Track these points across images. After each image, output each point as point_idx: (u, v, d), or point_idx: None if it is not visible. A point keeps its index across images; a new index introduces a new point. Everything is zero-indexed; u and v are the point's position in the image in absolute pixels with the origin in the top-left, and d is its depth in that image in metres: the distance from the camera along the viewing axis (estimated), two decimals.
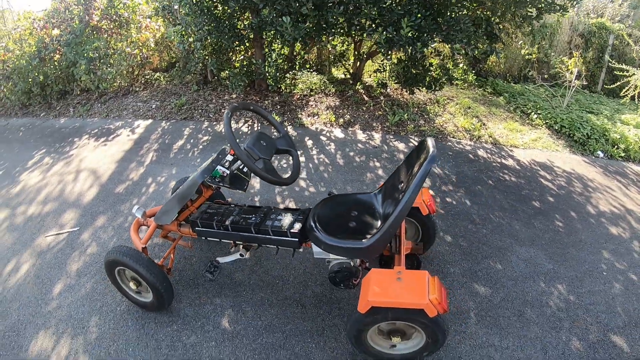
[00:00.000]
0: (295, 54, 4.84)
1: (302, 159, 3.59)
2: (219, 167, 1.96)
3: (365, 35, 3.62)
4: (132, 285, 2.25)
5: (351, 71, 4.70)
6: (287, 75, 4.82)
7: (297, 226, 1.98)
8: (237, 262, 2.58)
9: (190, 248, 2.60)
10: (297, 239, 1.96)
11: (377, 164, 3.43)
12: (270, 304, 2.29)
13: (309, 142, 3.88)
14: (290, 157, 2.43)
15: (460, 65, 5.24)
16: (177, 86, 5.65)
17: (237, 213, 2.20)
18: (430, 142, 1.71)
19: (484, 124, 4.16)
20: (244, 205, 2.36)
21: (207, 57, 4.74)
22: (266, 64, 4.50)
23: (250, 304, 2.30)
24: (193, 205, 2.27)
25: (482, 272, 2.39)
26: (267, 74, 4.43)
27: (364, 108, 4.35)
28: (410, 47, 3.31)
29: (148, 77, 6.26)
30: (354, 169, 3.40)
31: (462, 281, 2.33)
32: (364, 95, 4.60)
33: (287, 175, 2.09)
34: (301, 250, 2.05)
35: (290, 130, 4.10)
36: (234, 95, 5.04)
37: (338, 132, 3.98)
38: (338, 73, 5.60)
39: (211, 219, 2.18)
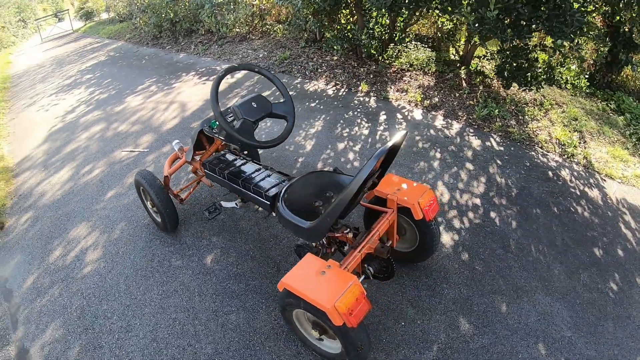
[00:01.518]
0: (395, 25, 4.72)
1: (365, 131, 3.63)
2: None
3: (454, 12, 3.28)
4: (149, 204, 2.83)
5: (461, 53, 4.31)
6: (390, 46, 4.75)
7: (273, 191, 2.14)
8: (249, 212, 2.91)
9: (211, 187, 3.04)
10: (269, 203, 2.13)
11: (438, 155, 3.19)
12: (252, 257, 2.54)
13: (382, 117, 3.84)
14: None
15: (573, 67, 4.21)
16: (289, 40, 6.15)
17: (239, 166, 2.50)
18: (400, 135, 1.64)
19: (584, 142, 3.36)
20: (250, 160, 2.63)
21: (309, 16, 5.03)
22: (363, 31, 4.57)
23: (236, 251, 2.60)
24: (209, 149, 2.65)
25: (478, 307, 2.08)
26: (362, 42, 4.52)
27: (457, 94, 4.00)
28: (500, 34, 2.86)
29: (267, 27, 6.97)
30: (410, 154, 3.26)
31: (448, 307, 2.08)
32: (463, 81, 4.21)
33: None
34: (274, 214, 2.21)
35: (372, 101, 4.12)
36: (335, 57, 5.25)
37: (417, 114, 3.80)
38: (453, 53, 5.21)
39: (216, 165, 2.51)
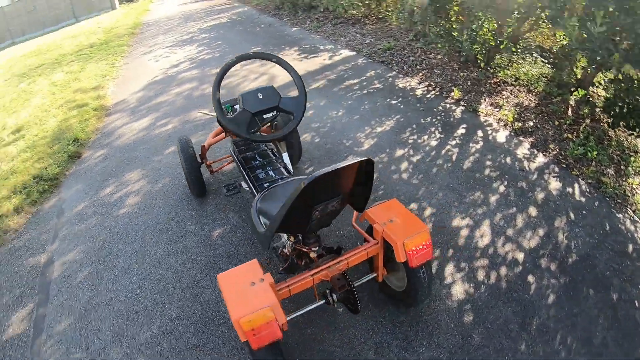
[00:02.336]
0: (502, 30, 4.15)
1: (433, 143, 3.38)
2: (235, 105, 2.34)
3: (558, 23, 2.68)
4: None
5: (578, 76, 3.56)
6: (498, 54, 4.24)
7: (266, 185, 2.21)
8: None
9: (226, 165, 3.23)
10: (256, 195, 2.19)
11: (501, 189, 2.74)
12: (254, 244, 2.62)
13: (460, 131, 3.48)
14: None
15: None
16: (400, 31, 5.98)
17: (257, 152, 2.58)
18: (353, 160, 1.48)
19: None
20: (272, 149, 2.68)
21: (414, 7, 4.78)
22: (464, 32, 4.21)
23: (242, 233, 2.71)
24: None
25: None
26: (462, 44, 4.17)
27: (556, 123, 3.36)
28: (607, 57, 2.24)
29: (384, 14, 6.86)
30: (469, 179, 2.90)
31: None
32: (569, 109, 3.50)
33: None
34: None
35: (458, 111, 3.77)
36: (439, 56, 4.94)
37: (502, 135, 3.34)
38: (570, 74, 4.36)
39: (238, 147, 2.68)
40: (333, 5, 6.70)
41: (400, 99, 4.18)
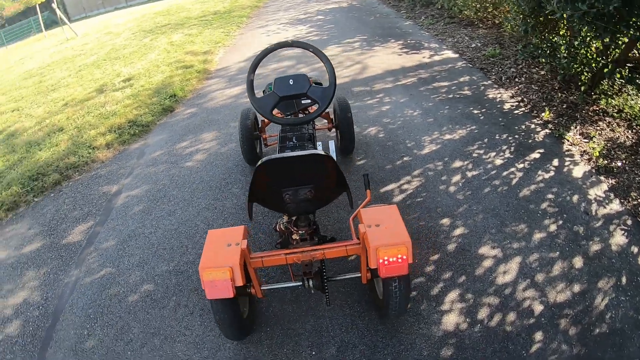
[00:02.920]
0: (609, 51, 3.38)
1: (498, 162, 3.06)
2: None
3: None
4: None
5: None
6: (604, 79, 3.54)
7: None
8: None
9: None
10: None
11: (551, 228, 2.27)
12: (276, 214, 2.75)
13: (533, 155, 3.06)
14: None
15: None
16: (511, 39, 5.41)
17: (296, 135, 2.63)
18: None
19: None
20: (311, 134, 2.69)
21: (520, 15, 4.23)
22: (562, 47, 3.61)
23: None
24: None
25: None
26: (561, 61, 3.60)
27: None
28: None
29: (500, 19, 6.24)
30: (519, 209, 2.53)
31: None
32: None
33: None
34: None
35: (541, 134, 3.33)
36: (542, 72, 4.38)
37: (579, 170, 2.83)
38: None
39: (284, 126, 2.77)
40: (449, 3, 6.31)
41: (483, 110, 3.83)
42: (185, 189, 3.14)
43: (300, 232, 1.86)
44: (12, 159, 3.96)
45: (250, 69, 2.20)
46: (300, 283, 1.85)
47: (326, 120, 3.20)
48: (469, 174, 2.96)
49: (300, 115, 2.71)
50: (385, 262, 1.55)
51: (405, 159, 3.21)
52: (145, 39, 7.78)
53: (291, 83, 2.22)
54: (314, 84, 2.25)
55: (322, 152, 1.48)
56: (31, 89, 6.25)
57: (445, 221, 2.54)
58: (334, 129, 3.26)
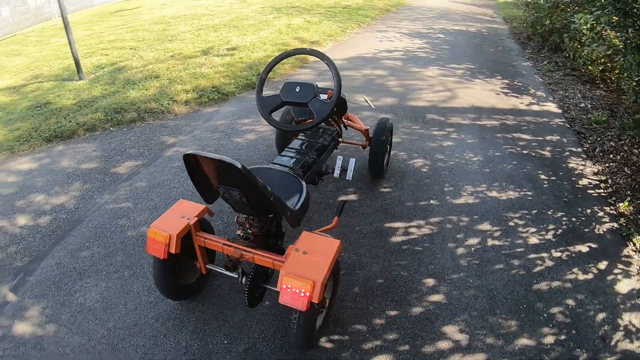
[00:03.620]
0: None
1: (532, 240, 2.68)
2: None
3: None
4: None
5: None
6: None
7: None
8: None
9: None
10: None
11: (547, 339, 1.94)
12: None
13: (578, 248, 2.57)
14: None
15: None
16: (629, 109, 4.55)
17: (307, 143, 2.60)
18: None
19: None
20: (323, 147, 2.62)
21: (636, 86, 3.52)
22: None
23: None
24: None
25: None
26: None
27: None
28: None
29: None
30: (520, 302, 2.10)
31: None
32: None
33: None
34: None
35: (604, 227, 2.80)
36: None
37: (625, 285, 2.32)
38: None
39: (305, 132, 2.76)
40: (575, 53, 5.53)
41: (552, 178, 3.36)
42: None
43: (245, 230, 1.89)
44: (109, 89, 4.61)
45: (265, 69, 2.31)
46: (237, 276, 1.87)
47: (365, 137, 3.11)
48: (490, 242, 2.65)
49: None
50: (288, 290, 1.51)
51: (432, 201, 2.98)
52: (269, 15, 8.24)
53: (297, 90, 2.22)
54: (318, 97, 2.21)
55: (229, 161, 1.44)
56: (154, 34, 7.08)
57: (430, 281, 2.32)
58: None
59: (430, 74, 5.51)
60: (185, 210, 1.90)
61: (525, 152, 3.72)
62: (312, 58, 5.81)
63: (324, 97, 2.36)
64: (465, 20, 9.57)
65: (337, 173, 2.76)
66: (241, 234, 1.89)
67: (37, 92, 4.78)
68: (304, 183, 2.03)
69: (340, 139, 2.90)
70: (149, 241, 1.78)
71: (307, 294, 1.47)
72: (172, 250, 1.75)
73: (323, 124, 2.74)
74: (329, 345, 1.93)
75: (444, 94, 4.91)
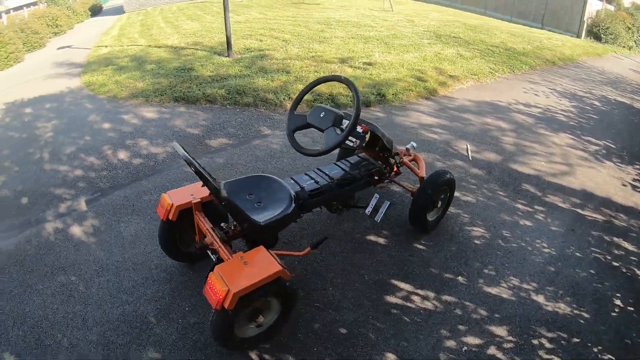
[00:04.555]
0: None
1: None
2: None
3: None
4: None
5: None
6: None
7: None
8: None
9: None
10: None
11: None
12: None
13: None
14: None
15: None
16: None
17: (336, 168, 2.59)
18: None
19: None
20: (352, 178, 2.52)
21: None
22: None
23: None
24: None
25: None
26: None
27: None
28: None
29: None
30: None
31: None
32: None
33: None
34: None
35: None
36: None
37: None
38: None
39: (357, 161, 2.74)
40: None
41: (630, 309, 2.62)
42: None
43: (225, 224, 2.09)
44: (243, 72, 5.30)
45: (306, 87, 2.37)
46: (215, 258, 2.07)
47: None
48: (491, 351, 2.25)
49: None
50: (210, 285, 1.68)
51: (460, 278, 2.64)
52: (424, 40, 8.08)
53: (321, 115, 2.24)
54: (336, 127, 2.20)
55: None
56: (311, 32, 7.57)
57: (390, 358, 2.14)
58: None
59: (556, 141, 4.75)
60: (198, 191, 2.19)
61: (616, 264, 2.96)
62: (442, 91, 5.60)
63: (346, 126, 2.25)
64: (636, 94, 7.84)
65: (368, 210, 2.68)
66: (224, 227, 2.09)
67: (190, 57, 5.76)
68: (293, 205, 2.09)
69: (380, 178, 2.73)
70: (159, 204, 2.15)
71: (221, 297, 1.61)
72: (171, 217, 2.09)
73: (370, 158, 2.69)
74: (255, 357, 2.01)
75: (559, 167, 4.18)
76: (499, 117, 5.16)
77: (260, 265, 1.77)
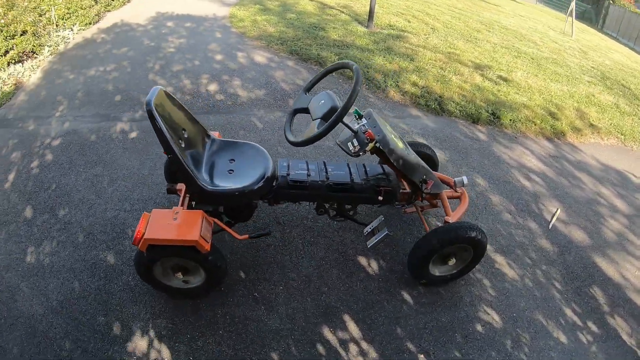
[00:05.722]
0: None
1: None
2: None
3: None
4: None
5: None
6: None
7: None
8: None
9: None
10: None
11: None
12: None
13: None
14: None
15: None
16: None
17: (360, 178, 2.19)
18: None
19: None
20: (376, 196, 2.17)
21: None
22: None
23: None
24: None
25: None
26: None
27: None
28: None
29: None
30: None
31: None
32: None
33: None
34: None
35: None
36: None
37: None
38: None
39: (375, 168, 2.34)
40: None
41: None
42: None
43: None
44: (368, 46, 4.98)
45: (321, 73, 2.04)
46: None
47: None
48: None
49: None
50: (138, 230, 1.75)
51: (421, 356, 2.11)
52: (584, 76, 6.41)
53: (320, 103, 1.89)
54: (325, 121, 1.82)
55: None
56: (464, 28, 6.69)
57: None
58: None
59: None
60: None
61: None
62: (571, 137, 4.44)
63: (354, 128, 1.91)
64: None
65: (367, 230, 2.35)
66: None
67: (330, 17, 5.65)
68: (260, 185, 1.92)
69: (388, 199, 2.21)
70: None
71: (138, 236, 1.74)
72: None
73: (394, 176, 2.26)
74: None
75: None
76: (620, 193, 3.79)
77: (185, 227, 1.77)
